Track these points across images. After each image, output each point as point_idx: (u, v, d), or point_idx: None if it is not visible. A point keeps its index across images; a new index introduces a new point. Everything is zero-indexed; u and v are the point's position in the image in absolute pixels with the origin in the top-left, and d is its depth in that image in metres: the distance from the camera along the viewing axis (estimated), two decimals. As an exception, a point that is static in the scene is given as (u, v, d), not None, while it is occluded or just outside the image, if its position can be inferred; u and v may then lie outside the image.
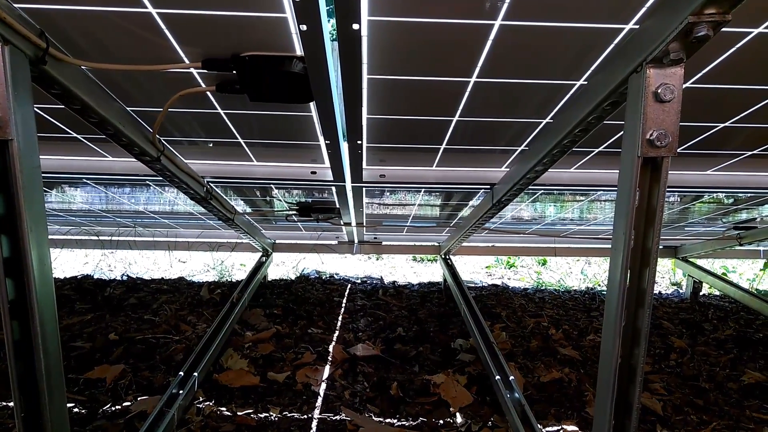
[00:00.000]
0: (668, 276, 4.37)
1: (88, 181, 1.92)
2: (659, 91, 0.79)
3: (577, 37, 0.95)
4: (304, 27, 0.85)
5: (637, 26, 0.91)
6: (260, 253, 3.38)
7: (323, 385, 2.02)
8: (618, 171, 0.89)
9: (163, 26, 0.94)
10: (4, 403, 1.76)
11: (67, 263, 4.24)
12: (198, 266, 4.25)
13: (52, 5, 0.87)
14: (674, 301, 3.64)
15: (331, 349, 2.35)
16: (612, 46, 0.98)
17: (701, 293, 3.71)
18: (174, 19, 0.91)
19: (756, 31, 0.92)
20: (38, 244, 0.85)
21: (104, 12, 0.89)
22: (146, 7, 0.88)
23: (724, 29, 0.85)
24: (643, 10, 0.87)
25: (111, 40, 0.98)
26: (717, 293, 3.86)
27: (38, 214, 0.84)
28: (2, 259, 0.82)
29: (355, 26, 0.86)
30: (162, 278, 3.65)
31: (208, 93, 1.20)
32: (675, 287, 4.12)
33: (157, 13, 0.90)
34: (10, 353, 0.86)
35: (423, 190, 2.04)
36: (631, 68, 0.84)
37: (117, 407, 1.79)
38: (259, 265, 3.19)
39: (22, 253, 0.83)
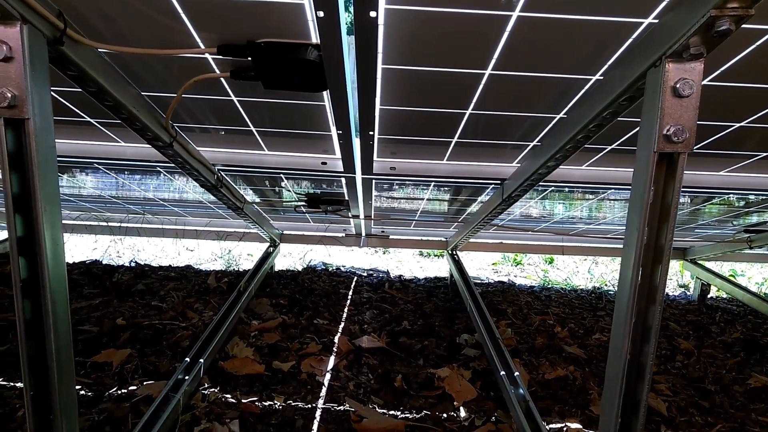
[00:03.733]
0: (676, 278, 4.35)
1: (99, 166, 1.93)
2: (678, 86, 0.79)
3: (596, 31, 0.94)
4: (321, 13, 0.84)
5: (656, 21, 0.90)
6: (268, 244, 3.39)
7: (328, 376, 2.03)
8: (631, 169, 0.89)
9: (180, 11, 0.93)
10: (13, 383, 1.78)
11: (76, 248, 4.28)
12: (205, 255, 4.27)
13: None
14: (681, 303, 3.62)
15: (336, 340, 2.36)
16: (630, 40, 0.97)
17: (709, 296, 3.69)
18: (191, 3, 0.91)
19: (777, 28, 0.91)
20: (51, 224, 0.85)
21: (122, -6, 0.89)
22: (163, -10, 0.88)
23: (744, 26, 0.85)
24: (663, 4, 0.86)
25: (127, 24, 0.99)
26: (725, 296, 3.84)
27: (52, 194, 0.85)
28: (16, 238, 0.83)
29: (372, 14, 0.85)
30: (170, 266, 3.67)
31: (222, 79, 1.20)
32: (683, 289, 4.10)
33: (175, -3, 0.90)
34: (21, 332, 0.86)
35: (432, 184, 2.04)
36: (649, 62, 0.83)
37: (123, 391, 1.80)
38: (267, 255, 3.20)
39: (35, 233, 0.83)
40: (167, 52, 1.03)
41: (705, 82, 1.13)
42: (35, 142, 0.80)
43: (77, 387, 1.78)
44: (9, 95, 0.76)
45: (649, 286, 0.90)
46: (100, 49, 1.05)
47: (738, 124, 1.37)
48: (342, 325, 2.58)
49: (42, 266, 0.84)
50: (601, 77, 1.11)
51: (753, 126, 1.36)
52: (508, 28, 0.94)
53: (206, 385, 1.87)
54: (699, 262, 3.68)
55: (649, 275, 0.89)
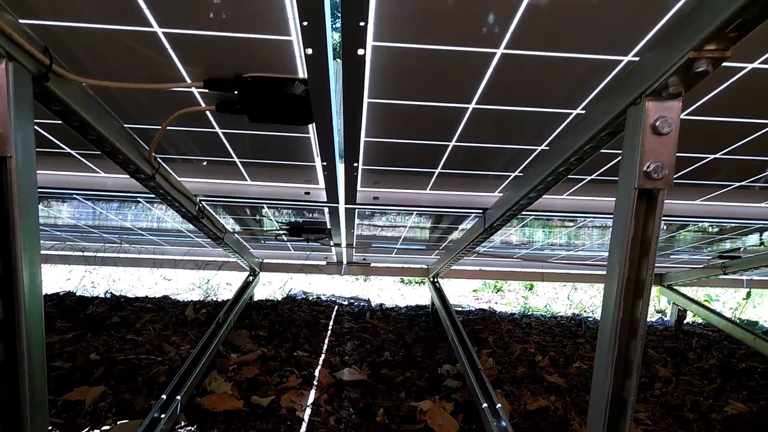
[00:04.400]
0: (653, 303, 4.41)
1: (77, 197, 1.89)
2: (657, 123, 0.81)
3: (577, 68, 0.97)
4: (309, 51, 0.85)
5: (635, 58, 0.93)
6: (247, 273, 3.34)
7: (308, 411, 1.98)
8: (610, 199, 0.90)
9: (167, 45, 0.93)
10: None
11: (49, 279, 4.15)
12: (183, 285, 4.19)
13: (58, 21, 0.87)
14: (659, 329, 3.66)
15: (317, 373, 2.32)
16: (610, 77, 1.00)
17: (686, 321, 3.74)
18: (179, 38, 0.91)
19: (750, 66, 0.95)
20: (30, 262, 0.82)
21: (110, 30, 0.89)
22: (152, 27, 0.88)
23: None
24: (642, 43, 0.89)
25: (113, 57, 0.98)
26: (701, 321, 3.90)
27: (32, 231, 0.82)
28: (-7, 277, 0.80)
29: (361, 51, 0.86)
30: (146, 296, 3.58)
31: (207, 112, 1.20)
32: (660, 315, 4.15)
33: (163, 33, 0.90)
34: (-5, 375, 0.83)
35: (415, 212, 2.05)
36: (629, 100, 0.86)
37: (96, 431, 1.73)
38: (246, 285, 3.16)
39: (13, 272, 0.80)
40: (154, 86, 1.03)
41: (682, 116, 1.16)
42: (17, 180, 0.78)
43: (48, 428, 1.71)
44: (-9, 132, 0.75)
45: (631, 321, 0.91)
46: (85, 84, 1.04)
47: (712, 156, 1.41)
48: (323, 356, 2.54)
49: (19, 306, 0.81)
50: (582, 111, 1.14)
51: (726, 157, 1.41)
52: (492, 64, 0.97)
53: (183, 423, 1.81)
54: (675, 287, 3.74)
55: (630, 309, 0.90)
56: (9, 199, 0.78)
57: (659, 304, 4.33)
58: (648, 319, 3.85)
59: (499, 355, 2.78)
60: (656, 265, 3.45)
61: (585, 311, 4.12)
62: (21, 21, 0.85)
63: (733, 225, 2.16)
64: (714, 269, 3.12)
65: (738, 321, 3.45)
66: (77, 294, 3.50)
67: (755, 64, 0.94)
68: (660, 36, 0.86)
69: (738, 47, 0.83)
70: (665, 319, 4.00)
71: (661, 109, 0.81)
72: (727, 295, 4.95)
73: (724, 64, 0.94)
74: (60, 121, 1.04)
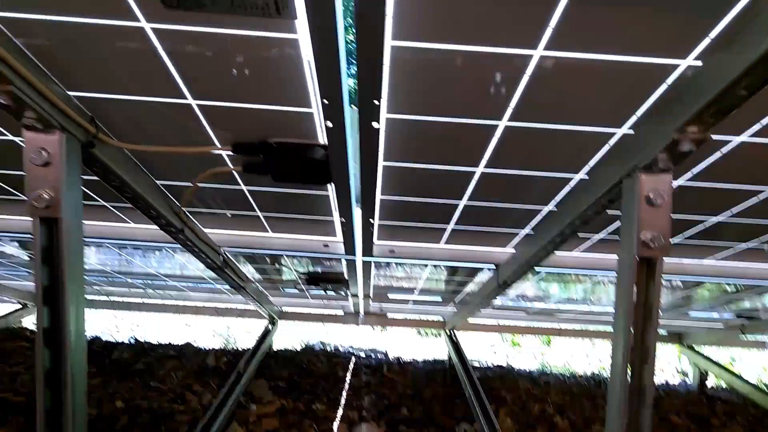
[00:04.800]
0: (675, 363, 4.30)
1: (110, 246, 1.99)
2: (651, 195, 0.86)
3: (575, 138, 1.04)
4: (329, 124, 0.94)
5: (630, 131, 0.99)
6: (266, 320, 3.39)
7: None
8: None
9: (199, 114, 1.04)
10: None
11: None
12: (204, 330, 4.24)
13: (103, 93, 0.98)
14: (681, 393, 3.56)
15: (335, 427, 2.32)
16: (607, 146, 1.06)
17: (708, 381, 3.63)
18: (211, 109, 1.01)
19: (739, 139, 1.01)
20: (77, 316, 0.90)
21: (150, 102, 0.99)
22: (187, 99, 0.99)
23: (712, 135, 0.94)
24: (635, 117, 0.95)
25: (150, 123, 1.09)
26: (724, 385, 3.78)
27: (78, 286, 0.90)
28: (42, 329, 0.87)
29: (376, 125, 0.95)
30: (169, 343, 3.64)
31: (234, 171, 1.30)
32: (683, 376, 4.04)
33: (197, 105, 1.00)
34: (41, 422, 0.89)
35: (430, 264, 2.09)
36: (624, 172, 0.92)
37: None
38: (266, 333, 3.20)
39: (61, 324, 0.88)
40: (188, 150, 1.13)
41: (682, 182, 1.22)
42: (66, 239, 0.86)
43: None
44: (46, 197, 0.84)
45: (639, 388, 0.92)
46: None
47: (716, 219, 1.45)
48: (340, 411, 2.55)
49: (65, 358, 0.88)
50: (584, 176, 1.20)
51: (730, 221, 1.45)
52: (497, 134, 1.04)
53: (202, 473, 1.83)
54: (696, 348, 3.65)
55: (638, 376, 0.92)
56: (59, 256, 0.86)
57: (680, 364, 4.22)
58: (670, 381, 3.73)
59: (517, 414, 2.74)
60: (675, 323, 3.40)
61: (604, 369, 4.04)
62: (69, 93, 0.95)
63: (745, 285, 2.16)
64: (733, 330, 3.06)
65: (763, 386, 3.33)
66: (103, 339, 3.58)
67: (743, 138, 1.00)
68: (651, 111, 0.92)
69: (726, 123, 0.89)
70: (688, 382, 3.88)
71: (654, 182, 0.87)
72: (752, 356, 4.80)
73: (717, 136, 1.01)
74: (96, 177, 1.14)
